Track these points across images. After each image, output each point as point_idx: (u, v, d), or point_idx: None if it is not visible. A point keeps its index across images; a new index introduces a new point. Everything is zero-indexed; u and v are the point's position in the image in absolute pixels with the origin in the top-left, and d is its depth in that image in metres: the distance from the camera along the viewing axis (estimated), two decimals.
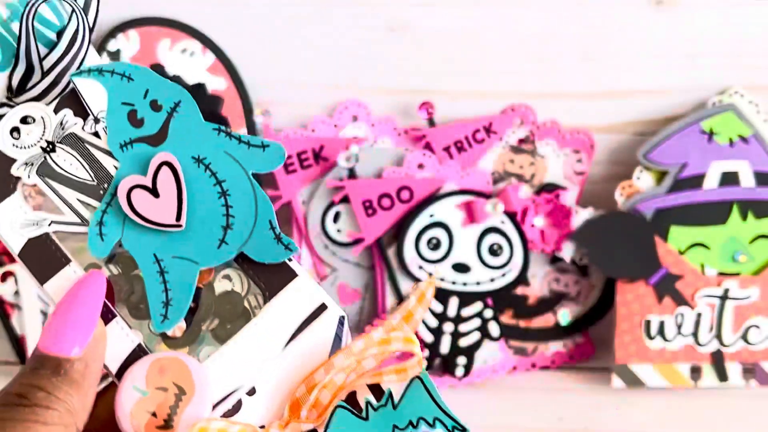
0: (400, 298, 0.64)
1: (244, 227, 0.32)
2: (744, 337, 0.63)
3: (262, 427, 0.31)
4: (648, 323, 0.63)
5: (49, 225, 0.33)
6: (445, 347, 0.64)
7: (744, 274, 0.63)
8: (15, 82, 0.33)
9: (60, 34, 0.33)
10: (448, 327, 0.64)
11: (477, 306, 0.64)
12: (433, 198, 0.63)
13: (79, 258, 0.33)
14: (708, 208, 0.62)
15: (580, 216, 0.64)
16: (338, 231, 0.64)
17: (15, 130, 0.33)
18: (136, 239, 0.32)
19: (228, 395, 0.31)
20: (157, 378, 0.30)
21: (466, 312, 0.64)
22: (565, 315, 0.66)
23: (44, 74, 0.33)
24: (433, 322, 0.64)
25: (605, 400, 0.64)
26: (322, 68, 0.64)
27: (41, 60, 0.33)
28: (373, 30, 0.64)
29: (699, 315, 0.63)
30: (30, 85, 0.33)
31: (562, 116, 0.65)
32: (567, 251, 0.64)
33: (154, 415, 0.30)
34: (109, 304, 0.32)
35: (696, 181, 0.62)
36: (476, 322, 0.64)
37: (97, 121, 0.33)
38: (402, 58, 0.64)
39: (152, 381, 0.31)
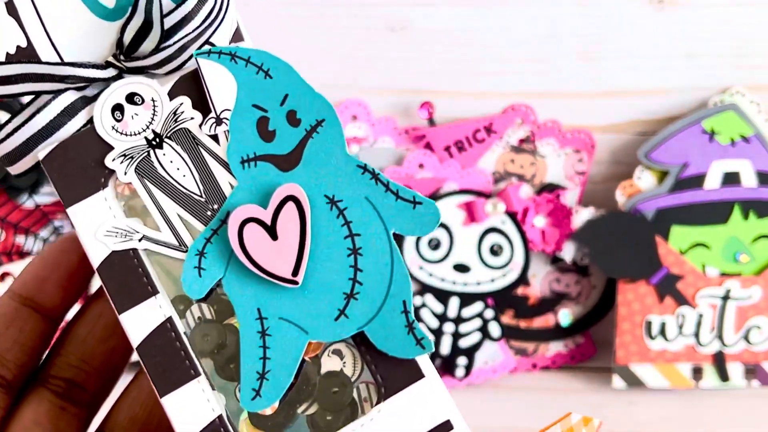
0: None
1: (371, 301, 0.25)
2: (746, 338, 0.63)
3: None
4: (649, 323, 0.63)
5: (140, 240, 0.26)
6: (445, 348, 0.64)
7: (745, 274, 0.63)
8: (127, 39, 0.26)
9: None
10: (449, 327, 0.64)
11: (477, 306, 0.64)
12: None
13: (166, 286, 0.27)
14: (709, 207, 0.62)
15: (581, 216, 0.63)
16: None
17: (118, 108, 0.26)
18: (240, 285, 0.26)
19: None
20: None
21: (467, 312, 0.64)
22: (565, 315, 0.66)
23: (164, 37, 0.26)
24: (434, 323, 0.64)
25: (606, 401, 0.64)
26: (322, 68, 0.64)
27: (163, 16, 0.26)
28: (373, 30, 0.64)
29: (700, 315, 0.63)
30: (144, 47, 0.26)
31: (562, 116, 0.65)
32: (568, 251, 0.64)
33: None
34: (193, 356, 0.26)
35: (697, 181, 0.62)
36: (477, 323, 0.64)
37: (219, 122, 0.26)
38: (402, 58, 0.64)
39: None
